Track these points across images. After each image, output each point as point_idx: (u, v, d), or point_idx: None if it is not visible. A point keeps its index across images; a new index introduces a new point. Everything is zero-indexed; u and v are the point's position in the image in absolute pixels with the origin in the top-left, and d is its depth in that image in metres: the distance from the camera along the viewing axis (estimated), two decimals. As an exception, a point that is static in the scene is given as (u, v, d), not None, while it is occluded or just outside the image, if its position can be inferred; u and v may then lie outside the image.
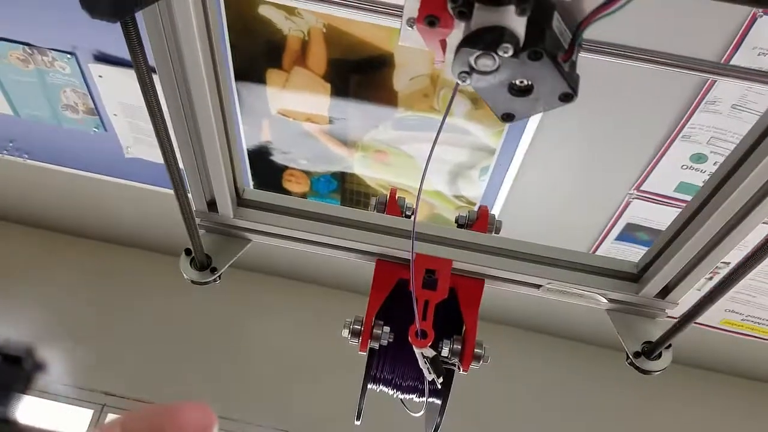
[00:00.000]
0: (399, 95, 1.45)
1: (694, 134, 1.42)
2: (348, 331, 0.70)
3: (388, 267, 0.75)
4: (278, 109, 1.56)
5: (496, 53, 0.37)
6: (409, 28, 0.44)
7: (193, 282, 0.74)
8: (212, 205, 0.72)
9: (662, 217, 1.67)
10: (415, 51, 1.40)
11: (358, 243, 0.74)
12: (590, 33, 0.40)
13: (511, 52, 0.37)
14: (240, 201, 0.73)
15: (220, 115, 0.64)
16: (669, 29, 1.22)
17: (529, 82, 0.40)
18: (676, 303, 0.73)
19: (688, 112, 1.38)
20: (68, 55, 1.59)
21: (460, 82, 0.39)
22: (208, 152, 0.66)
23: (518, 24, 0.37)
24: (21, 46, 1.57)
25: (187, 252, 0.73)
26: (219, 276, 0.74)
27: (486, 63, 0.38)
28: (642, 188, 1.60)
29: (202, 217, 0.74)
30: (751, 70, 0.61)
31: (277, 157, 1.70)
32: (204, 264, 0.73)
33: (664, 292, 0.73)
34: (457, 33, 0.40)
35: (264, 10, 1.36)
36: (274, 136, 1.64)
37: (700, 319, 0.67)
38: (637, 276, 0.75)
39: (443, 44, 0.42)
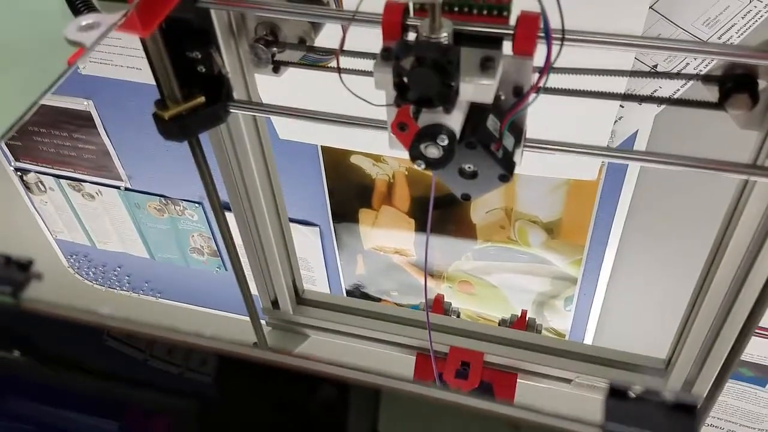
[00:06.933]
0: (477, 227, 1.57)
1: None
2: None
3: (427, 360, 0.83)
4: (370, 244, 1.72)
5: (436, 143, 0.49)
6: (392, 136, 0.57)
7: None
8: (275, 303, 0.85)
9: (765, 351, 1.61)
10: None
11: (400, 337, 0.84)
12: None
13: (446, 142, 0.48)
14: (299, 300, 0.86)
15: (278, 226, 0.79)
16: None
17: (475, 168, 0.52)
18: (702, 396, 0.75)
19: None
20: (196, 204, 1.85)
21: (417, 167, 0.51)
22: (269, 260, 0.81)
23: (452, 121, 0.49)
24: (157, 197, 1.86)
25: (254, 345, 0.86)
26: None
27: (432, 151, 0.50)
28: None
29: (269, 315, 0.87)
30: None
31: (370, 290, 1.83)
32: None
33: (689, 385, 0.76)
34: (418, 133, 0.53)
35: (355, 159, 1.56)
36: (368, 270, 1.78)
37: None
38: (664, 371, 0.79)
39: (414, 144, 0.55)
